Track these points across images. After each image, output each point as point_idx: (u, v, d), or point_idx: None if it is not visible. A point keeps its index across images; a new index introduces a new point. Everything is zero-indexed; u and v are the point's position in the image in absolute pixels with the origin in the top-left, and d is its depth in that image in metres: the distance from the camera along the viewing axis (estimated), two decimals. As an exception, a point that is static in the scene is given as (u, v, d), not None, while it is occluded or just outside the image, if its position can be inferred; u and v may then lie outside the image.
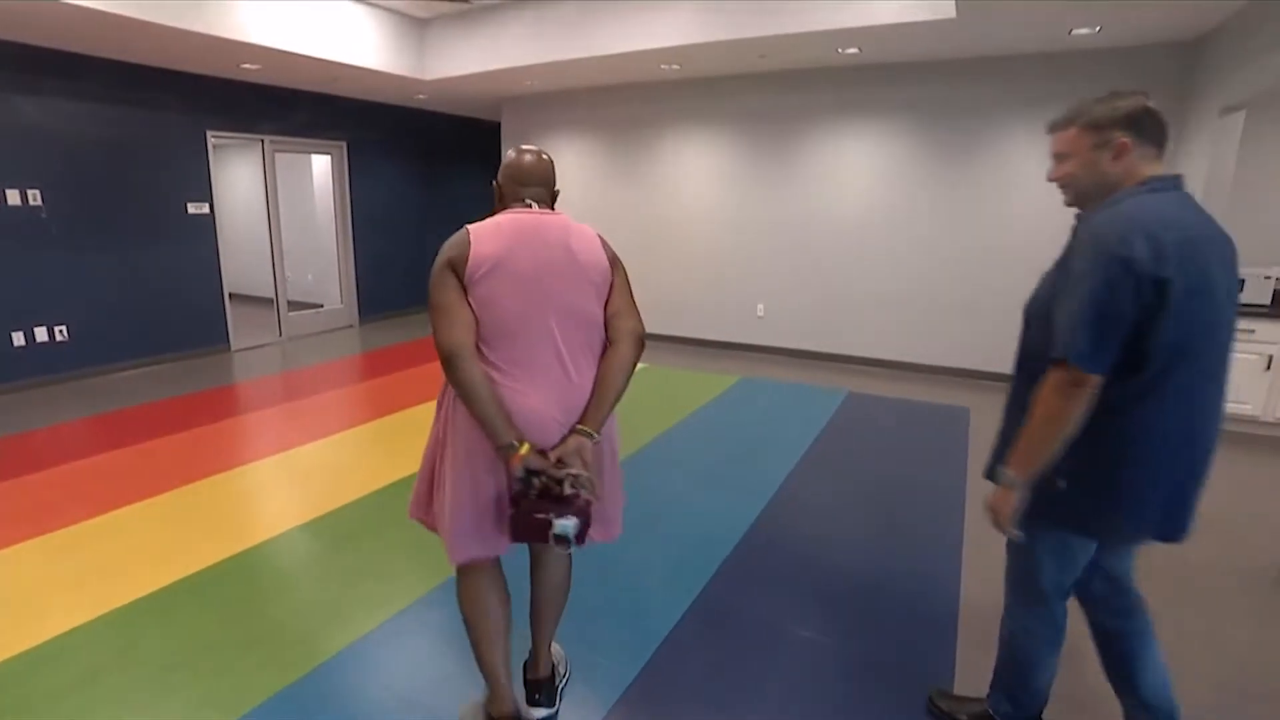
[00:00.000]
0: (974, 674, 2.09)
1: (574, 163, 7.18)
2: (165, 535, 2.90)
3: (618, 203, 6.96)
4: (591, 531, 1.60)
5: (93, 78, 5.29)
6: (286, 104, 6.70)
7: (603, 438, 1.62)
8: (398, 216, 8.21)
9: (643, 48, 5.09)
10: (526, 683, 1.91)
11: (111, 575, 2.58)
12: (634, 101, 6.66)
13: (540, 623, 1.87)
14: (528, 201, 1.66)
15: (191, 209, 6.04)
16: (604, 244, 1.69)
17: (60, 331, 5.32)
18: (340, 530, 2.97)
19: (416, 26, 6.06)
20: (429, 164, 8.56)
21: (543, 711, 1.89)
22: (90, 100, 5.32)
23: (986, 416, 4.45)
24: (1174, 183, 1.40)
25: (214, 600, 2.43)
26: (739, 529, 3.00)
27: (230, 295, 6.44)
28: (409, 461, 3.68)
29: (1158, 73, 4.64)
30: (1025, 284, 1.64)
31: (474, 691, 1.91)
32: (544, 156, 1.71)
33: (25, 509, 3.12)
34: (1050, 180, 1.53)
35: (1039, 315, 1.47)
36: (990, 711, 1.81)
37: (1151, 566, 2.73)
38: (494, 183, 1.72)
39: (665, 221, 6.71)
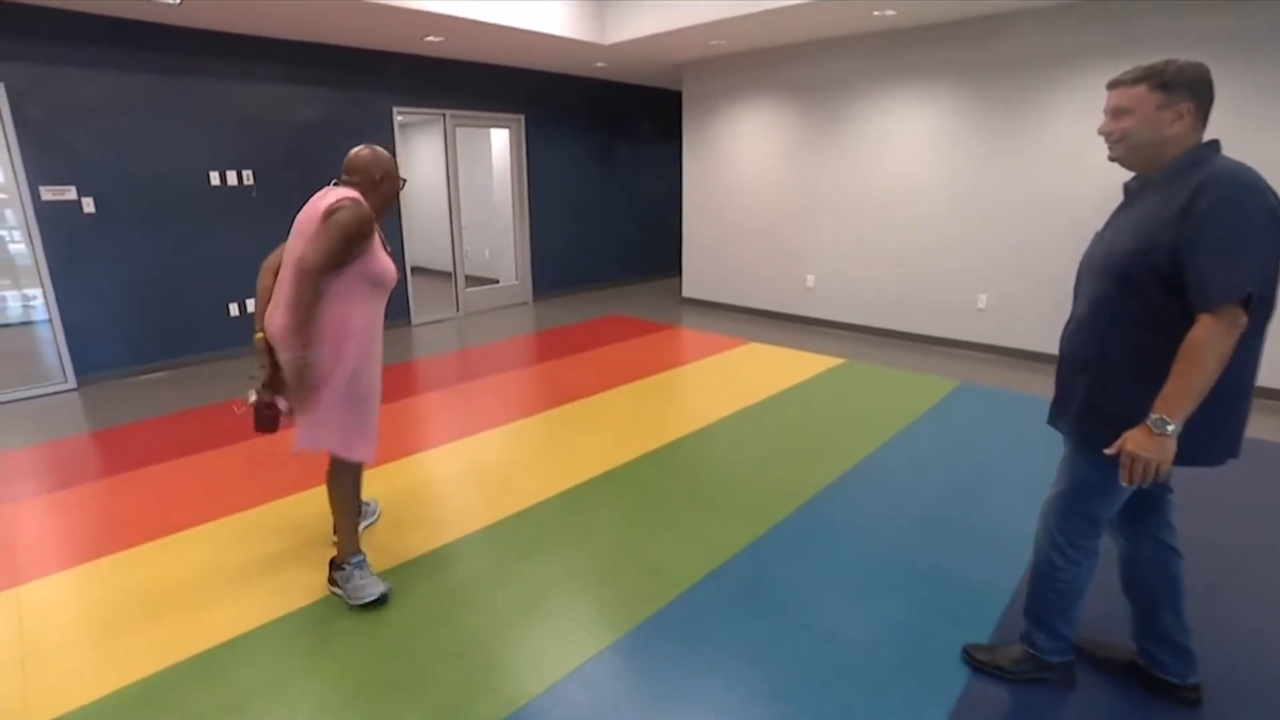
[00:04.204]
0: None
1: (761, 131, 6.47)
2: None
3: (812, 175, 6.17)
4: (302, 436, 2.18)
5: (293, 61, 5.45)
6: (467, 78, 6.62)
7: (313, 359, 2.05)
8: (574, 192, 7.99)
9: (860, -13, 4.28)
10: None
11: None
12: (832, 58, 5.81)
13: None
14: (334, 181, 2.20)
15: (380, 185, 6.13)
16: (335, 205, 2.03)
17: (265, 304, 5.60)
18: (526, 536, 2.63)
19: (599, -13, 5.66)
20: (606, 136, 8.23)
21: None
22: (291, 83, 5.48)
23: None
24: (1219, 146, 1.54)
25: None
26: (994, 605, 2.27)
27: (411, 269, 6.52)
28: (596, 459, 3.33)
29: None
30: None
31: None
32: (362, 153, 2.19)
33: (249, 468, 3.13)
34: (1104, 133, 1.61)
35: (1125, 268, 1.53)
36: (1031, 651, 1.88)
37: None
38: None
39: (867, 196, 5.83)
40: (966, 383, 4.58)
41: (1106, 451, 1.52)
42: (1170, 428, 1.42)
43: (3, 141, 4.36)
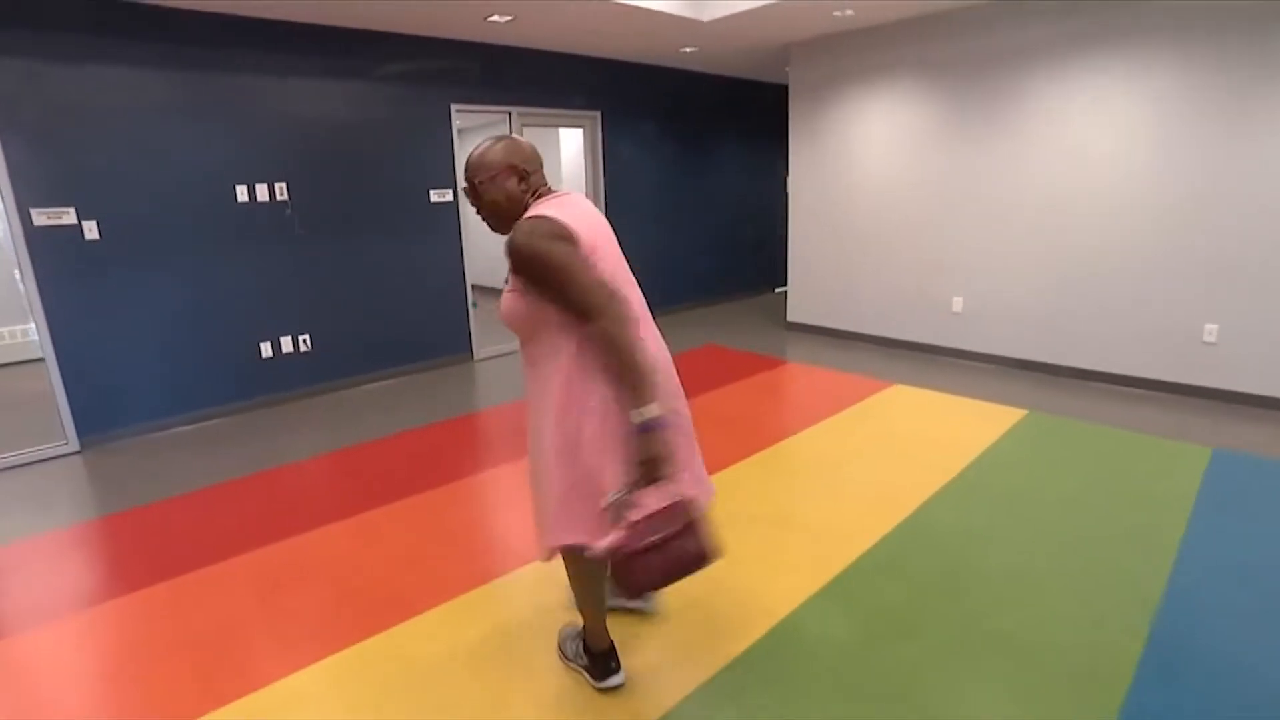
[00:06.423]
0: None
1: (892, 122, 5.31)
2: None
3: (962, 174, 4.97)
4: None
5: (333, 53, 4.55)
6: (536, 69, 5.64)
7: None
8: (657, 200, 6.93)
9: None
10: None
11: None
12: (995, 27, 4.62)
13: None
14: (563, 188, 1.72)
15: (434, 196, 5.21)
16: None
17: (304, 341, 4.72)
18: None
19: (697, -49, 4.63)
20: (693, 136, 7.14)
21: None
22: (329, 78, 4.58)
23: None
24: None
25: None
26: None
27: (472, 286, 5.56)
28: (755, 600, 2.04)
29: None
30: None
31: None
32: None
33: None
34: None
35: None
36: None
37: None
38: (510, 167, 1.67)
39: (1038, 198, 4.61)
40: (1219, 449, 3.35)
41: None
42: None
43: (-12, 156, 3.58)
